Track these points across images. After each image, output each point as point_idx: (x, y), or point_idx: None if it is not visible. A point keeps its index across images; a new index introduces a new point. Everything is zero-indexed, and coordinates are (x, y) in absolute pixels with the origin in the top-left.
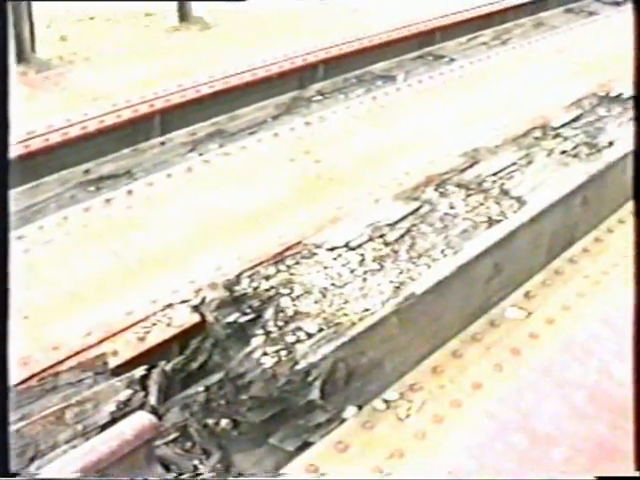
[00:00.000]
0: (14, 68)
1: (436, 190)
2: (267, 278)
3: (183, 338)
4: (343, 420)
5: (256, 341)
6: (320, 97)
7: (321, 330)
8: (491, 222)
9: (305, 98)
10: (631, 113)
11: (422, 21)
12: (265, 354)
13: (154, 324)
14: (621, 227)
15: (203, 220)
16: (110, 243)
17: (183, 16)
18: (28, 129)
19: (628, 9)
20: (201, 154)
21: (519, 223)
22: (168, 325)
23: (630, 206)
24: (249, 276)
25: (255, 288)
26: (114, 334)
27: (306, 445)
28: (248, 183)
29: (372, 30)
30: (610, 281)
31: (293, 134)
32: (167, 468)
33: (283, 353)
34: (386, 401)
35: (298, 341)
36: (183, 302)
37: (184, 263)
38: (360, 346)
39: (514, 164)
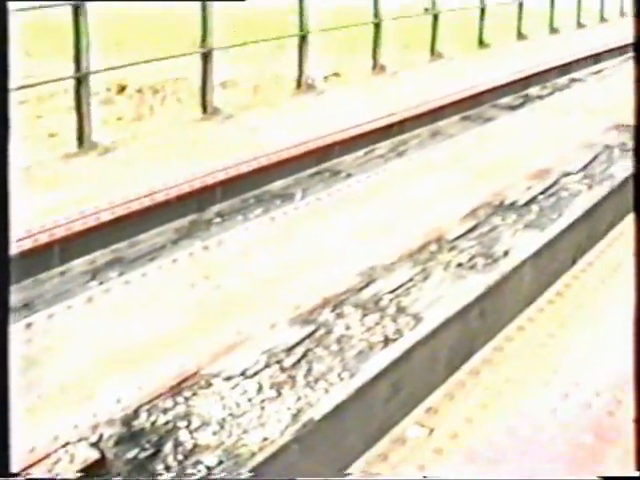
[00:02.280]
0: None
1: (332, 311)
2: (165, 411)
3: (87, 475)
4: None
5: (158, 476)
6: (219, 219)
7: (221, 463)
8: (387, 341)
9: (204, 221)
10: (525, 220)
11: (319, 137)
12: None
13: (56, 462)
14: (520, 334)
15: (103, 352)
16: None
17: (82, 141)
18: None
19: (522, 113)
20: (101, 283)
21: (415, 341)
22: (71, 462)
23: (529, 311)
24: (147, 410)
25: (153, 422)
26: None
27: None
28: (148, 312)
29: None
30: (512, 390)
31: (192, 259)
32: None
33: None
34: None
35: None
36: (81, 440)
37: (85, 397)
38: (262, 476)
39: (411, 280)
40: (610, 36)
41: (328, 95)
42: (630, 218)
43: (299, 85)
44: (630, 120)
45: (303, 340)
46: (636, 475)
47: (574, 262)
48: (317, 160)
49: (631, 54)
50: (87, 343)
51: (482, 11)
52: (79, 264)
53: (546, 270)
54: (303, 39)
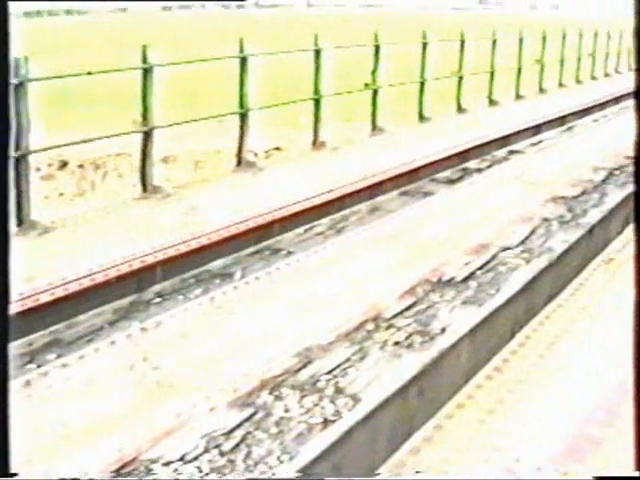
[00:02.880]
0: None
1: (271, 394)
2: None
3: None
4: None
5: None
6: (159, 299)
7: None
8: (327, 423)
9: (143, 302)
10: (463, 297)
11: (259, 214)
12: None
13: None
14: (460, 411)
15: (42, 437)
16: None
17: (21, 220)
18: None
19: (461, 187)
20: (39, 366)
21: (354, 422)
22: None
23: (468, 388)
24: None
25: None
26: None
27: None
28: (86, 395)
29: None
30: (453, 468)
31: (131, 341)
32: None
33: None
34: None
35: None
36: None
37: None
38: None
39: (348, 360)
40: (548, 108)
41: (268, 172)
42: (568, 290)
43: (239, 162)
44: (565, 192)
45: (242, 423)
46: (636, 475)
47: (512, 336)
48: (257, 238)
49: (567, 126)
50: (25, 428)
51: (422, 85)
52: (16, 346)
53: (484, 346)
54: (243, 117)
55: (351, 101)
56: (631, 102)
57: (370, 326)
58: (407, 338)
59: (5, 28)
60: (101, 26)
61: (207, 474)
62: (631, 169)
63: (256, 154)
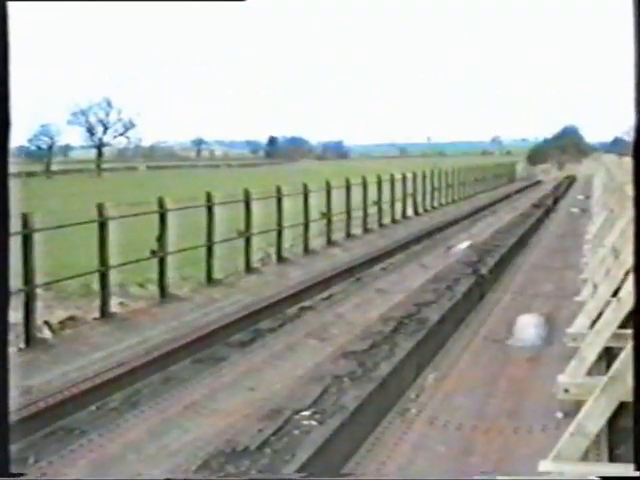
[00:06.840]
0: None
1: None
2: None
3: None
4: None
5: None
6: None
7: None
8: None
9: None
10: (258, 465)
11: (50, 395)
12: None
13: None
14: None
15: None
16: None
17: None
18: None
19: (253, 349)
20: None
21: None
22: None
23: None
24: None
25: None
26: None
27: None
28: None
29: None
30: None
31: None
32: None
33: None
34: None
35: None
36: None
37: None
38: None
39: None
40: (337, 260)
41: (57, 350)
42: (365, 447)
43: (28, 341)
44: (356, 346)
45: None
46: (636, 475)
47: None
48: (50, 419)
49: (356, 277)
50: None
51: (209, 249)
52: None
53: None
54: (29, 295)
55: (147, 265)
56: (419, 247)
57: None
58: None
59: (5, 28)
60: None
61: None
62: (420, 316)
63: (50, 326)
